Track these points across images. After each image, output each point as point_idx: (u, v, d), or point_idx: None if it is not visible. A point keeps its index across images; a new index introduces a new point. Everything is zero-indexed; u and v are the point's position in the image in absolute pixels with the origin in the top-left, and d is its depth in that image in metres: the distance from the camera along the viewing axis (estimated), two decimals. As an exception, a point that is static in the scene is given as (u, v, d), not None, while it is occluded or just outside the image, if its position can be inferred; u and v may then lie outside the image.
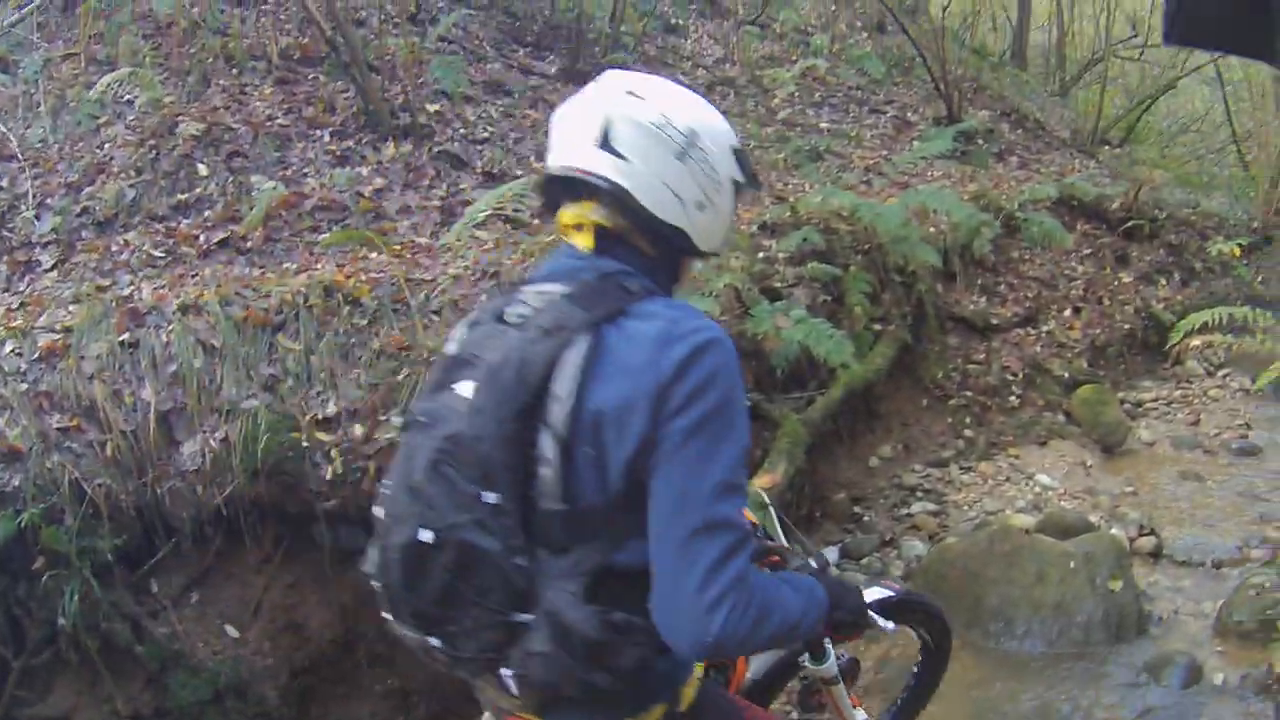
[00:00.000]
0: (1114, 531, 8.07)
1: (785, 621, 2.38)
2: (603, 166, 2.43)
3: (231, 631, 5.77)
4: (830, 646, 3.75)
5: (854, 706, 4.02)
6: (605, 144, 2.44)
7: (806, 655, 3.75)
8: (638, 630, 2.26)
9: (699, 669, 2.63)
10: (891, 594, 3.95)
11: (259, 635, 5.86)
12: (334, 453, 5.85)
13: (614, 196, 2.44)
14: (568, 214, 2.56)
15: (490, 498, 2.23)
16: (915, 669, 4.71)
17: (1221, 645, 6.70)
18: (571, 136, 2.51)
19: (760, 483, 7.25)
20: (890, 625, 3.34)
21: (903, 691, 4.76)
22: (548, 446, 2.24)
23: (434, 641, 2.36)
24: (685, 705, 2.56)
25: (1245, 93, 26.00)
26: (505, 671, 2.30)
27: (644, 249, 2.54)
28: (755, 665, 3.79)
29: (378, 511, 2.46)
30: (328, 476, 5.83)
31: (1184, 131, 31.34)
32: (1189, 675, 6.26)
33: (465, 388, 2.35)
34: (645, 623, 2.26)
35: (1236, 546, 8.14)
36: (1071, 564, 7.00)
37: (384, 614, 2.47)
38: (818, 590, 2.59)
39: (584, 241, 2.54)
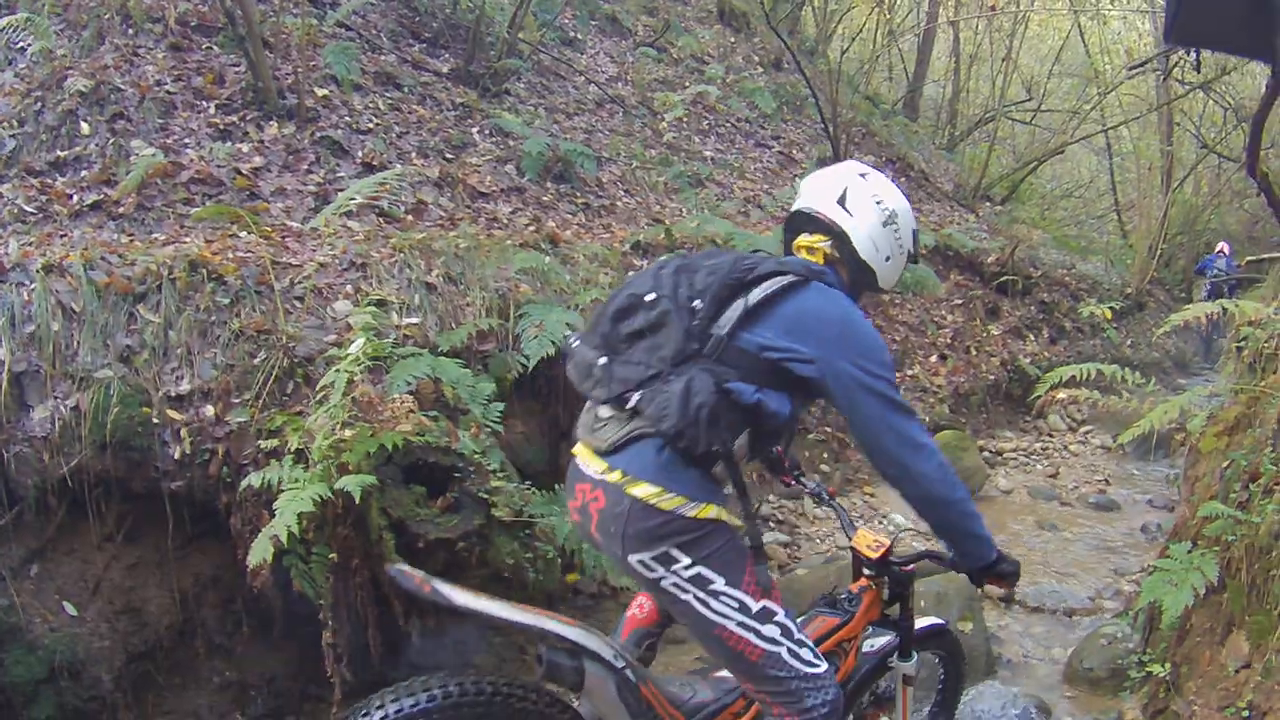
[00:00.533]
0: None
1: (969, 507, 3.78)
2: (838, 216, 3.95)
3: (70, 609, 5.59)
4: (916, 652, 4.74)
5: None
6: (841, 202, 3.96)
7: (897, 654, 4.69)
8: (720, 434, 3.48)
9: (725, 510, 3.63)
10: (942, 622, 5.23)
11: (97, 615, 5.69)
12: (184, 432, 5.76)
13: (839, 237, 3.95)
14: (804, 239, 4.03)
15: (697, 304, 3.58)
16: (940, 686, 5.59)
17: (1071, 691, 6.92)
18: (820, 191, 4.04)
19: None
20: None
21: (933, 705, 5.66)
22: (738, 308, 3.58)
23: (602, 360, 3.64)
24: (699, 514, 3.53)
25: (1132, 164, 26.63)
26: (632, 397, 3.52)
27: (845, 276, 3.99)
28: (862, 665, 4.66)
29: (620, 288, 3.83)
30: (176, 456, 5.73)
31: (1067, 196, 32.16)
32: (1038, 718, 6.42)
33: (714, 260, 3.75)
34: (722, 439, 3.50)
35: (1089, 597, 8.41)
36: (921, 603, 7.12)
37: (572, 343, 3.84)
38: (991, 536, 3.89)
39: (814, 259, 3.95)
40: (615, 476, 3.55)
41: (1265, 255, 17.92)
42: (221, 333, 6.25)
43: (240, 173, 8.76)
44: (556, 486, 6.81)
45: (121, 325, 6.02)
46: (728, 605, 3.60)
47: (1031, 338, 16.06)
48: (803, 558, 9.07)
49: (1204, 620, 5.48)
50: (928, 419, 12.04)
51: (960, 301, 15.07)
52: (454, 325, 7.22)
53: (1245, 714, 4.50)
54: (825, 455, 10.60)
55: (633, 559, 3.56)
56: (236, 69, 9.96)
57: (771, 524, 9.45)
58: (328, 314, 6.70)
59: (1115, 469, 12.70)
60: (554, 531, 6.26)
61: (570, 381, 3.86)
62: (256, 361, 6.20)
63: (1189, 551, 5.41)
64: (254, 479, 5.47)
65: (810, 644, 3.81)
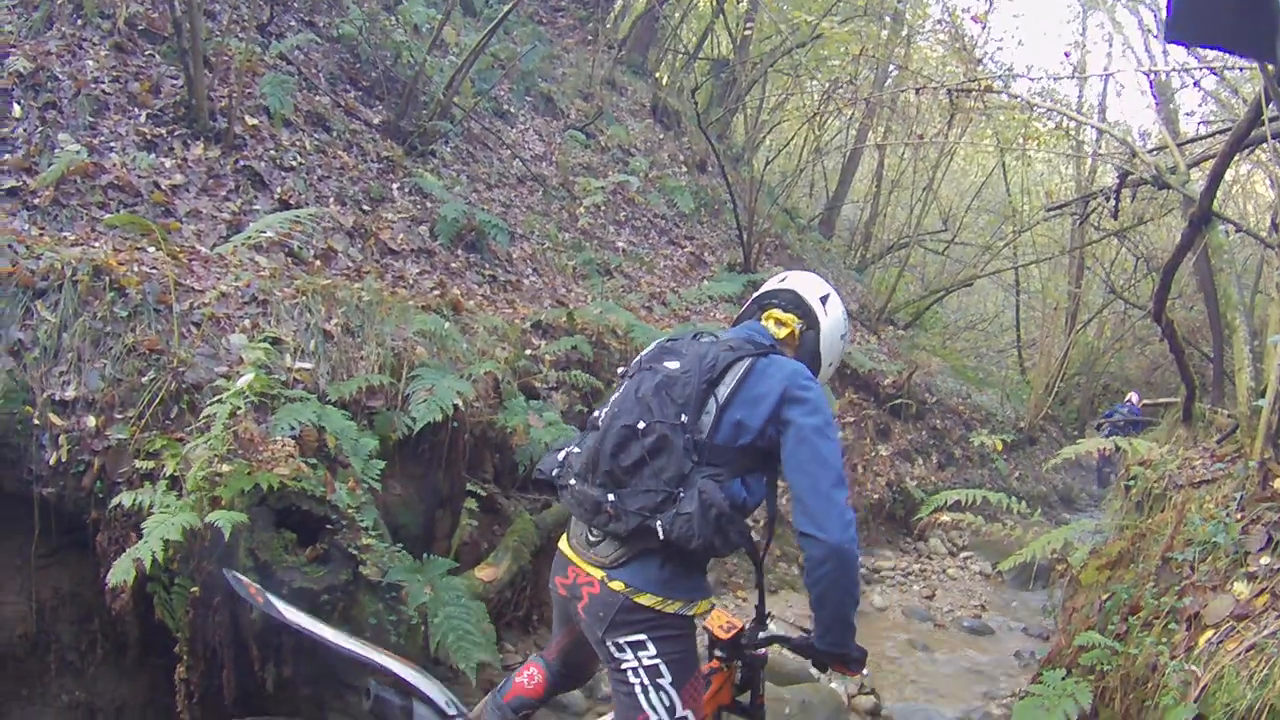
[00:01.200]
0: (833, 686, 8.29)
1: (857, 591, 4.00)
2: (818, 309, 4.52)
3: None
4: None
5: None
6: (823, 300, 4.55)
7: None
8: (737, 532, 3.85)
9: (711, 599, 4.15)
10: None
11: None
12: (63, 439, 5.69)
13: (813, 325, 4.52)
14: (777, 313, 4.54)
15: (683, 417, 3.88)
16: None
17: (935, 810, 6.94)
18: (809, 285, 4.61)
19: (481, 574, 7.36)
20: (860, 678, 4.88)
21: None
22: (713, 406, 3.96)
23: (610, 497, 3.88)
24: (695, 611, 4.02)
25: (1038, 303, 27.13)
26: (657, 526, 3.77)
27: (800, 356, 4.42)
28: None
29: (598, 414, 4.19)
30: (51, 461, 5.64)
31: (970, 328, 32.75)
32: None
33: (674, 363, 4.09)
34: (739, 535, 3.88)
35: (956, 718, 8.43)
36: (787, 710, 7.24)
37: (570, 482, 4.10)
38: None
39: (781, 333, 4.49)
40: (618, 586, 3.93)
41: (1161, 400, 18.35)
42: (114, 345, 6.18)
43: (159, 187, 8.71)
44: (426, 555, 6.84)
45: (17, 319, 5.95)
46: (661, 702, 3.95)
47: (920, 461, 16.30)
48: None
49: (1075, 750, 5.55)
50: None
51: (852, 419, 15.27)
52: (345, 376, 7.22)
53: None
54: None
55: (610, 640, 3.96)
56: (174, 81, 9.93)
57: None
58: (222, 344, 6.65)
59: (992, 595, 12.88)
60: (410, 598, 6.25)
61: (549, 471, 4.32)
62: (145, 380, 6.12)
63: (1063, 678, 5.51)
64: (126, 498, 5.42)
65: None
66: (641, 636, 3.92)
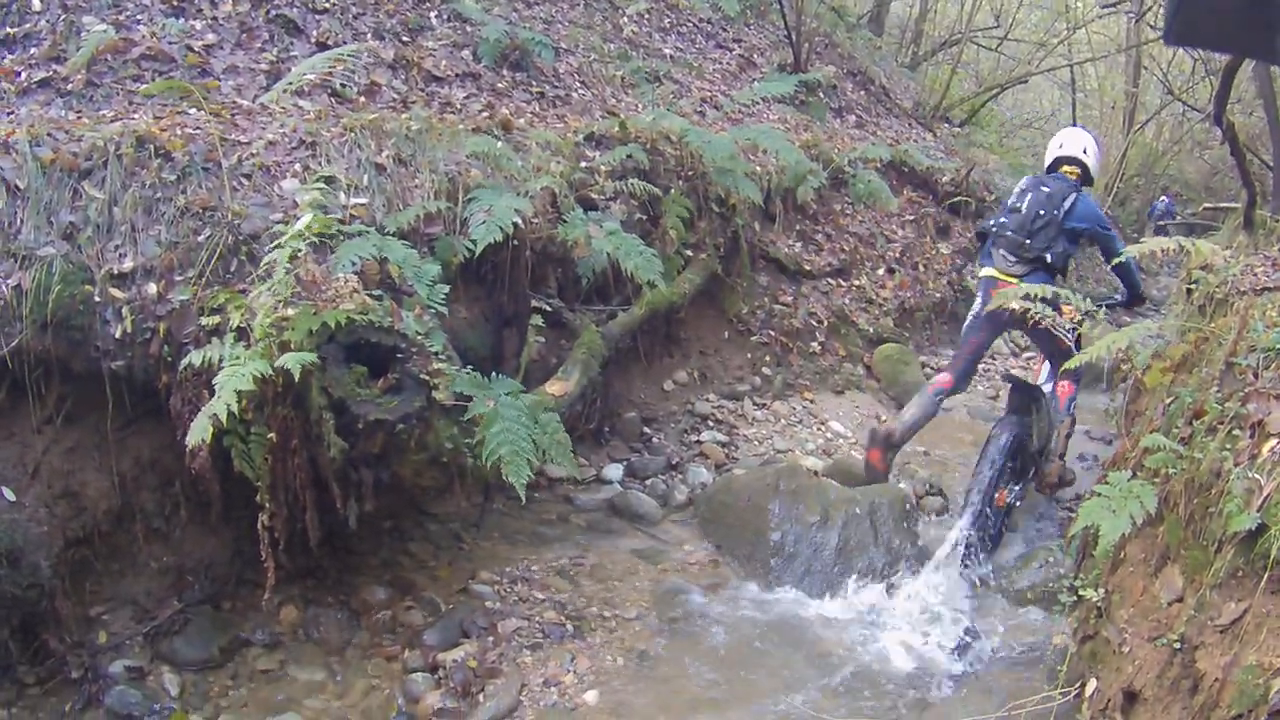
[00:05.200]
0: (901, 486, 8.31)
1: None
2: (1086, 159, 8.39)
3: (8, 494, 5.47)
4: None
5: None
6: (1085, 151, 8.40)
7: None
8: (1066, 266, 8.20)
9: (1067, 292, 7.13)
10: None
11: (35, 500, 5.59)
12: (125, 310, 5.69)
13: (1085, 169, 8.36)
14: (1065, 168, 8.31)
15: (1056, 213, 7.94)
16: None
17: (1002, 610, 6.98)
18: (1076, 144, 8.45)
19: (551, 389, 7.35)
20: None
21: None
22: (1060, 211, 7.93)
23: (1027, 240, 7.93)
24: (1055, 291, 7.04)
25: (1095, 102, 26.63)
26: (1046, 256, 7.91)
27: (1084, 182, 8.40)
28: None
29: (1011, 203, 8.36)
30: (117, 335, 5.65)
31: (1026, 126, 32.30)
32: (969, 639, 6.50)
33: (1047, 188, 8.14)
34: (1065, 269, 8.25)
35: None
36: (856, 510, 7.24)
37: (997, 249, 8.20)
38: None
39: (1072, 177, 8.24)
40: (1021, 285, 7.16)
41: (1221, 205, 18.07)
42: (166, 209, 6.16)
43: (192, 49, 8.58)
44: (495, 374, 6.79)
45: (66, 202, 5.92)
46: (1061, 332, 7.93)
47: (981, 259, 16.15)
48: (739, 458, 9.14)
49: (1138, 551, 5.52)
50: (871, 330, 12.25)
51: (912, 218, 15.15)
52: (402, 207, 7.17)
53: (1176, 646, 4.54)
54: (767, 358, 10.69)
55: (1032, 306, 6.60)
56: (192, -57, 9.73)
57: (710, 424, 9.53)
58: (275, 192, 6.62)
59: (1057, 395, 12.75)
60: (472, 410, 6.19)
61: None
62: (201, 239, 6.10)
63: (1129, 481, 5.44)
64: (195, 357, 5.42)
65: None
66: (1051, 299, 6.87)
